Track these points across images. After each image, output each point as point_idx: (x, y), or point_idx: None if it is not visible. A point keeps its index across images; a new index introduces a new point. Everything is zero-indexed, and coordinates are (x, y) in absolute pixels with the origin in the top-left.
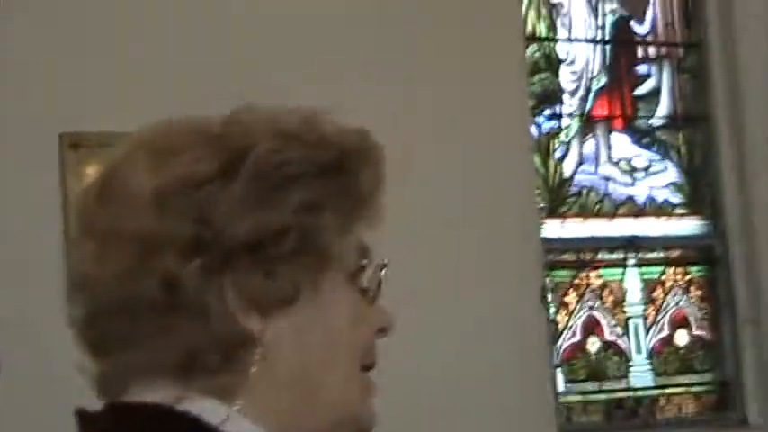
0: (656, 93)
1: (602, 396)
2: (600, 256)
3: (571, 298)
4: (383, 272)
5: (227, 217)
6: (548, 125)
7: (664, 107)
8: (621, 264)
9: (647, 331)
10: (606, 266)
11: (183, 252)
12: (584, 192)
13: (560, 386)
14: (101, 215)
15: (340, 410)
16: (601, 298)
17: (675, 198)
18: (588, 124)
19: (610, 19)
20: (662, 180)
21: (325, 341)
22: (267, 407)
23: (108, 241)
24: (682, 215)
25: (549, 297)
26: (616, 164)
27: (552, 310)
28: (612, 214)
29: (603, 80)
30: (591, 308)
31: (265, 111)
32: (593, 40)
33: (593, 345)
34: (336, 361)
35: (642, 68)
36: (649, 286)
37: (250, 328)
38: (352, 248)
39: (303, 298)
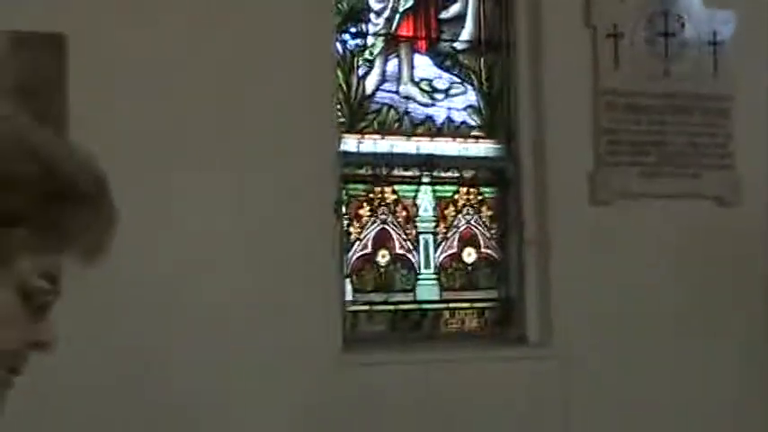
0: (460, 17)
1: (389, 307)
2: (395, 172)
3: (365, 211)
4: (52, 297)
5: None
6: (353, 43)
7: (467, 32)
8: (416, 181)
9: (437, 247)
10: (401, 183)
11: None
12: (385, 109)
13: (348, 295)
14: None
15: None
16: (394, 213)
17: (473, 120)
18: (392, 44)
19: None
20: (461, 102)
21: None
22: None
23: None
24: (478, 137)
25: (343, 209)
26: (417, 84)
27: (345, 222)
28: (411, 133)
29: (410, 1)
30: (383, 222)
31: (22, 125)
32: None
33: (384, 257)
34: None
35: None
36: (442, 204)
37: None
38: (38, 269)
39: None
